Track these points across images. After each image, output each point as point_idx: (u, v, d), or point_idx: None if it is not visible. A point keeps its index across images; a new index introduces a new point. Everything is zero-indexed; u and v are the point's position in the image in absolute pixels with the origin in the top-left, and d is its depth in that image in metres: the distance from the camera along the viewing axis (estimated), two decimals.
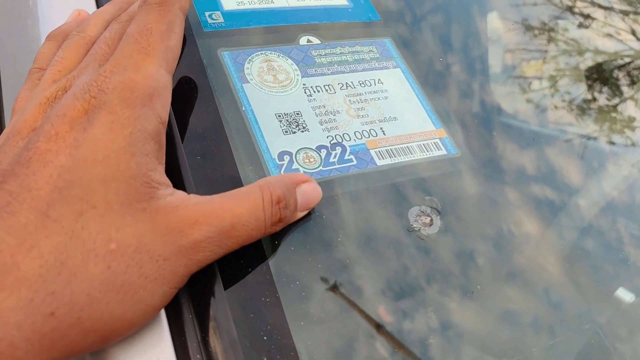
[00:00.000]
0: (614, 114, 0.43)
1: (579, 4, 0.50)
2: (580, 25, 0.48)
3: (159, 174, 0.22)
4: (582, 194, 0.35)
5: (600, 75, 0.45)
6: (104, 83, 0.22)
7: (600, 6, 0.51)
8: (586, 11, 0.50)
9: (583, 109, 0.42)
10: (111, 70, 0.23)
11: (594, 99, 0.43)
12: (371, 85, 0.35)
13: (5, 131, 0.24)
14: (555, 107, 0.41)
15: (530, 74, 0.42)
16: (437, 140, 0.33)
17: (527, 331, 0.28)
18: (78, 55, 0.26)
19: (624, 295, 0.31)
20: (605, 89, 0.45)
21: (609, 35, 0.49)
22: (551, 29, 0.47)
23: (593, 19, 0.49)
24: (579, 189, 0.35)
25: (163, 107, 0.23)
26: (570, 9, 0.49)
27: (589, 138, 0.40)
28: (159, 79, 0.23)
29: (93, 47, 0.26)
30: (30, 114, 0.23)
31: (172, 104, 0.29)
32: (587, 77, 0.45)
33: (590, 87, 0.44)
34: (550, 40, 0.46)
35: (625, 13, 0.52)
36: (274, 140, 0.30)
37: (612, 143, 0.40)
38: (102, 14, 0.29)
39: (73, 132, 0.21)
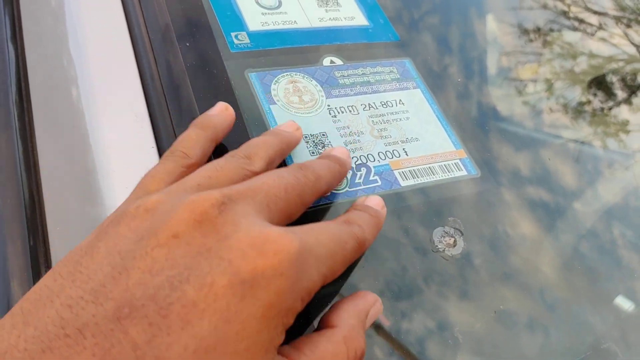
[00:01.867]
0: None
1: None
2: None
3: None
4: (616, 211, 0.36)
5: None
6: (285, 259, 0.19)
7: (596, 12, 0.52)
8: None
9: (617, 125, 0.43)
10: (302, 249, 0.20)
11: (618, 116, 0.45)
12: (393, 106, 0.35)
13: (130, 209, 0.20)
14: (576, 125, 0.42)
15: (546, 94, 0.43)
16: (458, 161, 0.34)
17: (551, 349, 0.29)
18: (234, 179, 0.24)
19: None
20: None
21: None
22: (567, 45, 0.48)
23: None
24: (611, 206, 0.36)
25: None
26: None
27: (622, 154, 0.41)
28: (321, 284, 0.21)
29: (271, 188, 0.22)
30: (174, 218, 0.19)
31: None
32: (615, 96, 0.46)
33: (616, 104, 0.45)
34: (567, 56, 0.47)
35: (619, 18, 0.53)
36: (301, 162, 0.31)
37: None
38: (268, 148, 0.26)
39: (229, 294, 0.18)
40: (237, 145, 0.30)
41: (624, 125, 0.45)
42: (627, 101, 0.47)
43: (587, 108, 0.44)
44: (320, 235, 0.21)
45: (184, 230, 0.19)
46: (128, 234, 0.19)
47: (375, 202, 0.28)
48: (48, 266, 0.31)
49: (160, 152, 0.29)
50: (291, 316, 0.19)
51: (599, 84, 0.47)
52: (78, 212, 0.29)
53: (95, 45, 0.33)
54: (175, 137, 0.30)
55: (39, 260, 0.31)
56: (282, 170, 0.24)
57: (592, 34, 0.50)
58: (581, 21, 0.51)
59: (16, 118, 0.38)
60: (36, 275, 0.31)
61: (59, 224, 0.30)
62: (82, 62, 0.33)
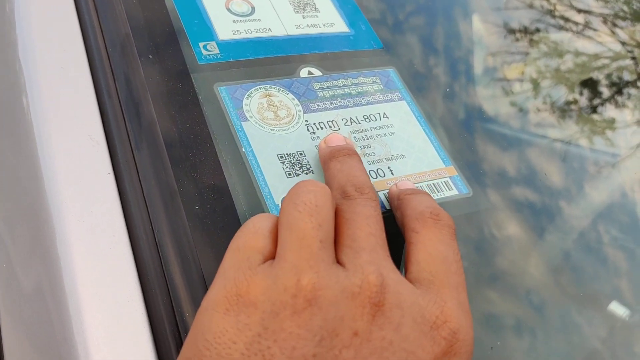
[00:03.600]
0: None
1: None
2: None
3: None
4: (625, 227, 0.34)
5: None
6: (463, 342, 0.20)
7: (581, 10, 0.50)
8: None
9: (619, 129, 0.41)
10: (455, 307, 0.20)
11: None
12: (376, 120, 0.33)
13: (282, 297, 0.19)
14: (574, 138, 0.39)
15: (541, 109, 0.41)
16: (448, 179, 0.31)
17: None
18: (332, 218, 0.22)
19: None
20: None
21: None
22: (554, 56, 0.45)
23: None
24: (618, 224, 0.34)
25: None
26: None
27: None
28: None
29: (374, 237, 0.21)
30: (348, 316, 0.19)
31: (168, 147, 0.27)
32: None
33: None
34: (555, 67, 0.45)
35: (605, 16, 0.51)
36: (276, 185, 0.28)
37: None
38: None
39: None
40: (205, 166, 0.27)
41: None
42: None
43: (577, 111, 0.42)
44: (460, 278, 0.22)
45: (361, 326, 0.19)
46: (301, 332, 0.18)
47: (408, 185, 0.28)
48: None
49: (118, 179, 0.26)
50: None
51: (594, 87, 0.45)
52: (25, 248, 0.26)
53: (45, 58, 0.30)
54: (135, 161, 0.27)
55: None
56: (360, 207, 0.23)
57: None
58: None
59: None
60: None
61: (3, 259, 0.27)
62: (32, 77, 0.29)
